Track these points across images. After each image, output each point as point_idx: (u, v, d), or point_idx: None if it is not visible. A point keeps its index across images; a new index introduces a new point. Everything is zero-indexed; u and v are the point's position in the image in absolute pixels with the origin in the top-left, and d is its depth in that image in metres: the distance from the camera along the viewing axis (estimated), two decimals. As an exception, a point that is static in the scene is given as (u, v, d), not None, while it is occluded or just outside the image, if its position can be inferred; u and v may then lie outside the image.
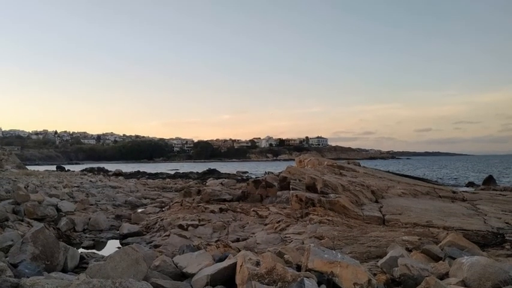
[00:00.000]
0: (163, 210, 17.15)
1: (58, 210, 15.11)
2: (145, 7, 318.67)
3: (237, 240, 10.83)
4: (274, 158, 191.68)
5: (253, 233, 11.45)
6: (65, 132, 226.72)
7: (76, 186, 24.71)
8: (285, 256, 6.30)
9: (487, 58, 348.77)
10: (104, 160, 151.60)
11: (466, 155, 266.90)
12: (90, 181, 31.06)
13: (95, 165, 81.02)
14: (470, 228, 9.64)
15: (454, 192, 17.41)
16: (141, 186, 31.38)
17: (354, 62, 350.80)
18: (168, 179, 44.12)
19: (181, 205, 16.03)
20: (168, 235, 11.47)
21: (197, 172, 57.74)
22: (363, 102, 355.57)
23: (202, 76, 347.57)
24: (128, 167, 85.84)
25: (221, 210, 14.56)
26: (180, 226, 12.24)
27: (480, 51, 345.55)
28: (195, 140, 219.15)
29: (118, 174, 50.92)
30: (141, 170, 64.57)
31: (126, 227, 13.08)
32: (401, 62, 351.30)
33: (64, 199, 17.77)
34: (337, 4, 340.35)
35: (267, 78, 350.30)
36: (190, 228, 12.12)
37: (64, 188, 22.69)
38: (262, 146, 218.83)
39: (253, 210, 14.32)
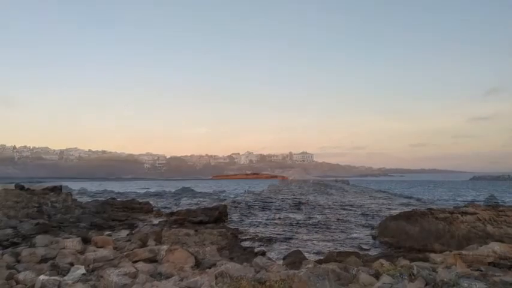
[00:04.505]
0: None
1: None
2: (118, 9, 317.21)
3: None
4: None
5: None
6: (25, 147, 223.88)
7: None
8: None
9: (489, 66, 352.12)
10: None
11: (465, 172, 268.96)
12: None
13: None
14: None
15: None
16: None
17: (342, 71, 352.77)
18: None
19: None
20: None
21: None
22: (352, 114, 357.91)
23: (175, 86, 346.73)
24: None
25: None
26: None
27: (482, 58, 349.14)
28: (168, 156, 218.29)
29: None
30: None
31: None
32: (394, 71, 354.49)
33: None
34: (325, 5, 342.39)
35: (247, 88, 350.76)
36: None
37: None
38: (242, 162, 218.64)
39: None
